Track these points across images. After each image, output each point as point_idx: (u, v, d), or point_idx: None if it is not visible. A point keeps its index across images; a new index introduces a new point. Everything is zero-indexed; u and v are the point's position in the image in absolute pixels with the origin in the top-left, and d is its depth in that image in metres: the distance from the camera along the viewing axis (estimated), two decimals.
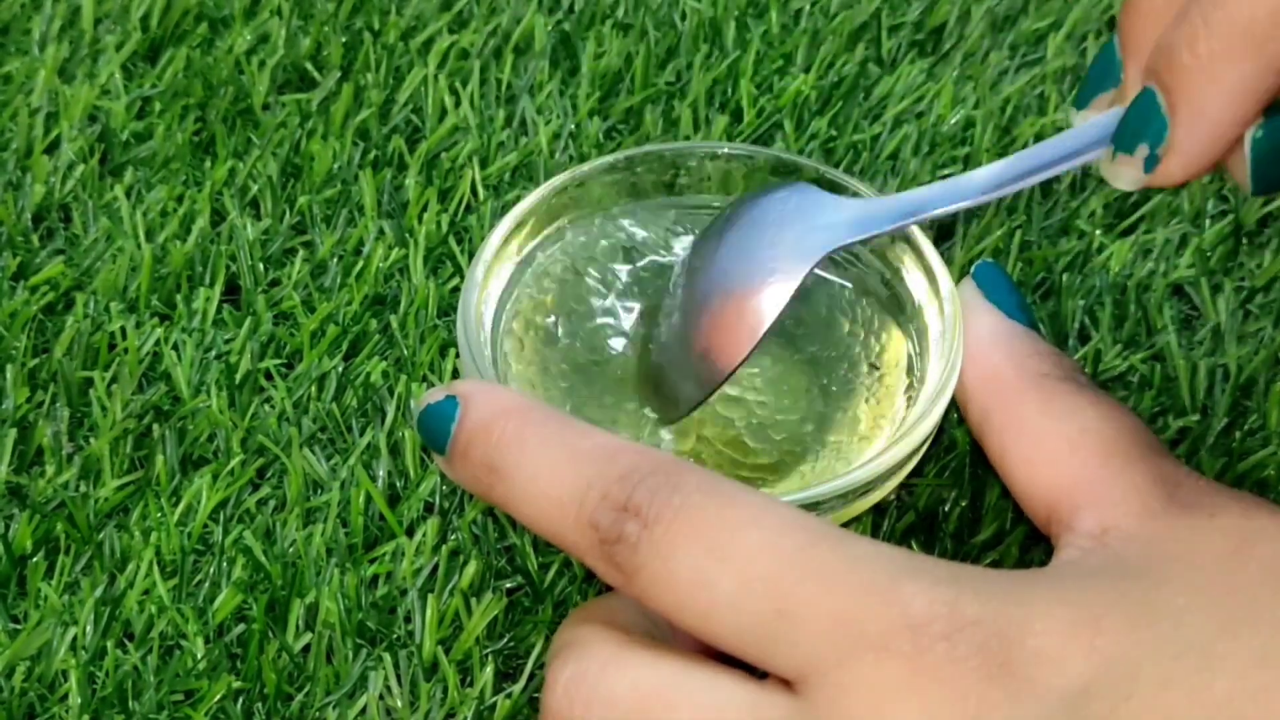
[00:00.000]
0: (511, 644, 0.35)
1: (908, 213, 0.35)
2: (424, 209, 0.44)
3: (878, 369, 0.37)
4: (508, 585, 0.36)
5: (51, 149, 0.45)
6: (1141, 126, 0.30)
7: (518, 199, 0.38)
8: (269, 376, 0.40)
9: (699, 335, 0.35)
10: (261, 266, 0.42)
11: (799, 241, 0.35)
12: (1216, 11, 0.28)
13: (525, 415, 0.31)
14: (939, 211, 0.35)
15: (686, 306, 0.35)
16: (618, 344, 0.37)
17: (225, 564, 0.36)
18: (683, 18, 0.49)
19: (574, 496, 0.30)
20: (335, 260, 0.43)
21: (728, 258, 0.35)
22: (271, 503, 0.38)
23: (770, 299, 0.34)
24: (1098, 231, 0.43)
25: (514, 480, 0.30)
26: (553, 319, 0.37)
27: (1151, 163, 0.30)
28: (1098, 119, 0.32)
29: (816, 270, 0.35)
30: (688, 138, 0.46)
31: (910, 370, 0.36)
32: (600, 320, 0.38)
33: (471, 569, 0.36)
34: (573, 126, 0.46)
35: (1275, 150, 0.29)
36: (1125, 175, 0.31)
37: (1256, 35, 0.28)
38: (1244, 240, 0.43)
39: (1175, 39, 0.29)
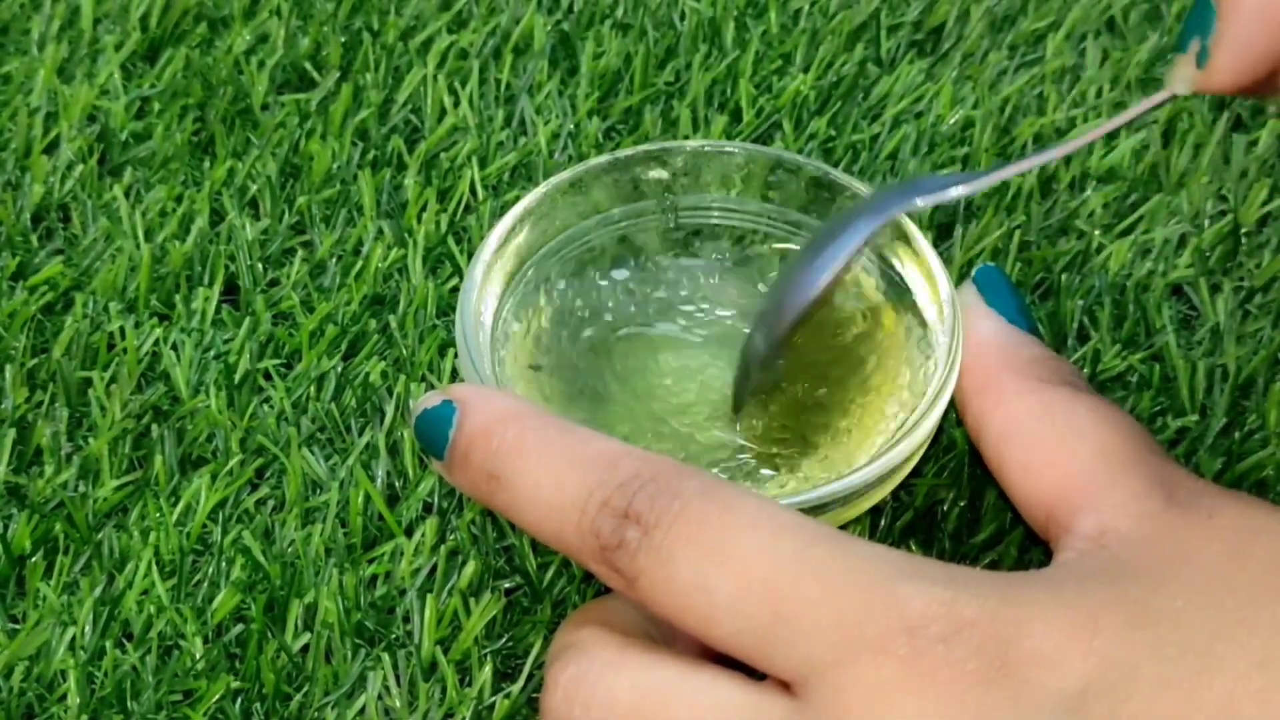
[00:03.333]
0: (510, 644, 0.35)
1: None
2: (423, 209, 0.44)
3: (876, 372, 0.37)
4: (506, 585, 0.36)
5: (50, 149, 0.45)
6: (1194, 20, 0.32)
7: (517, 199, 0.38)
8: (268, 376, 0.40)
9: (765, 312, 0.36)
10: (260, 266, 0.42)
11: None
12: None
13: (524, 421, 0.31)
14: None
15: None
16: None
17: (224, 564, 0.36)
18: (682, 18, 0.49)
19: (575, 503, 0.30)
20: (334, 260, 0.43)
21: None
22: (270, 503, 0.38)
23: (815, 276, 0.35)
24: (1097, 231, 0.43)
25: (515, 487, 0.30)
26: (551, 320, 0.37)
27: (1203, 58, 0.31)
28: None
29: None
30: (687, 137, 0.46)
31: (909, 373, 0.36)
32: (598, 320, 0.38)
33: (470, 569, 0.36)
34: (572, 126, 0.46)
35: None
36: (1181, 75, 0.32)
37: None
38: (1243, 240, 0.43)
39: None
